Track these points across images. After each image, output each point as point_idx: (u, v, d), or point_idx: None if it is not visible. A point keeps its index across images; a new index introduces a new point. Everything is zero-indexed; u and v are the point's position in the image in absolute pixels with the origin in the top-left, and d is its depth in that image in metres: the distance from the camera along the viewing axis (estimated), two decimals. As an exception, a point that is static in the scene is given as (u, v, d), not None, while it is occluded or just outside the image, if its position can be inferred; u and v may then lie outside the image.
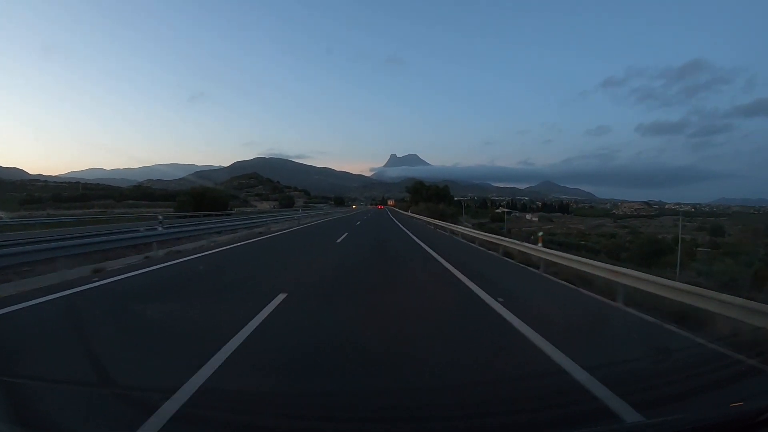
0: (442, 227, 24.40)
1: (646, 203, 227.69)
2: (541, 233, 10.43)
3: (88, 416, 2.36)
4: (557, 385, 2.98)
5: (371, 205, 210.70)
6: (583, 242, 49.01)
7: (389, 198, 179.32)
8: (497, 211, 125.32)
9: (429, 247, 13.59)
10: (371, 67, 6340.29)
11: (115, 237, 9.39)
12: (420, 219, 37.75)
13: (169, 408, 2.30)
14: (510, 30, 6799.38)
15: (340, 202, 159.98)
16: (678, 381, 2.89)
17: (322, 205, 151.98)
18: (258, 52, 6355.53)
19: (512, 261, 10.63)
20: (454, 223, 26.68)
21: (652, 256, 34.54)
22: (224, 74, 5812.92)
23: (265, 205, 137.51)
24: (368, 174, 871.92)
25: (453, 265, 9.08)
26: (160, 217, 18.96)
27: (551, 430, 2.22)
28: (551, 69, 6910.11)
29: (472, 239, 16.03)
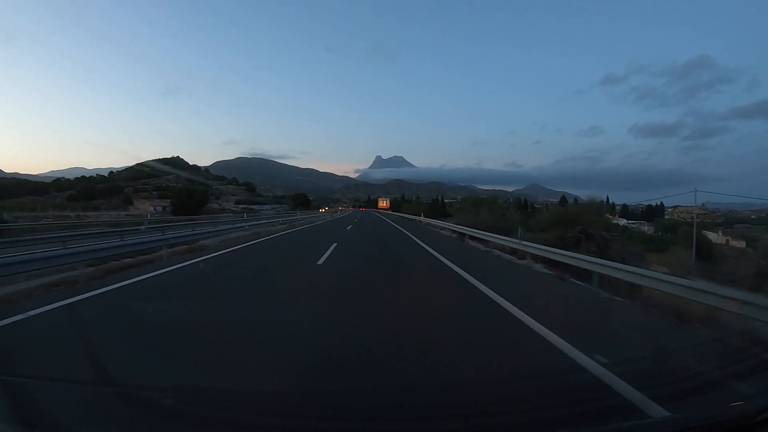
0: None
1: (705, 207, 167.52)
2: None
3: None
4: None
5: (352, 207, 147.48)
6: None
7: (380, 198, 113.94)
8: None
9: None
10: (357, 65, 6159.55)
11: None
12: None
13: None
14: (503, 25, 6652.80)
15: (303, 202, 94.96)
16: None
17: (269, 206, 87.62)
18: (238, 48, 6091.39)
19: None
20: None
21: None
22: (203, 70, 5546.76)
23: (147, 207, 71.04)
24: (353, 175, 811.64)
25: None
26: None
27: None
28: (546, 65, 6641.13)
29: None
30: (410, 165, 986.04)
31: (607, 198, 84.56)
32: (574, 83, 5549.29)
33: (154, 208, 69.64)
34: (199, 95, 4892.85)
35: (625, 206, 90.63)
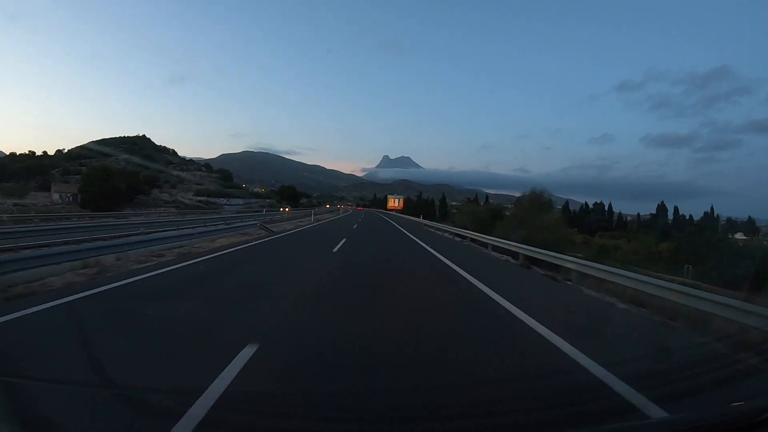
0: None
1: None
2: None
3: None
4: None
5: (352, 206, 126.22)
6: None
7: (390, 196, 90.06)
8: None
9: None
10: (367, 61, 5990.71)
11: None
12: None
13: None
14: (518, 27, 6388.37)
15: (290, 197, 71.65)
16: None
17: (242, 201, 64.19)
18: (245, 40, 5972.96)
19: None
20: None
21: None
22: (210, 60, 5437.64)
23: (53, 195, 48.45)
24: (360, 174, 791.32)
25: None
26: None
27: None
28: (562, 69, 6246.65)
29: None
30: (417, 166, 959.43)
31: (712, 208, 60.89)
32: (589, 88, 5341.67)
33: (60, 196, 46.76)
34: (206, 86, 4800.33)
35: (729, 219, 66.56)
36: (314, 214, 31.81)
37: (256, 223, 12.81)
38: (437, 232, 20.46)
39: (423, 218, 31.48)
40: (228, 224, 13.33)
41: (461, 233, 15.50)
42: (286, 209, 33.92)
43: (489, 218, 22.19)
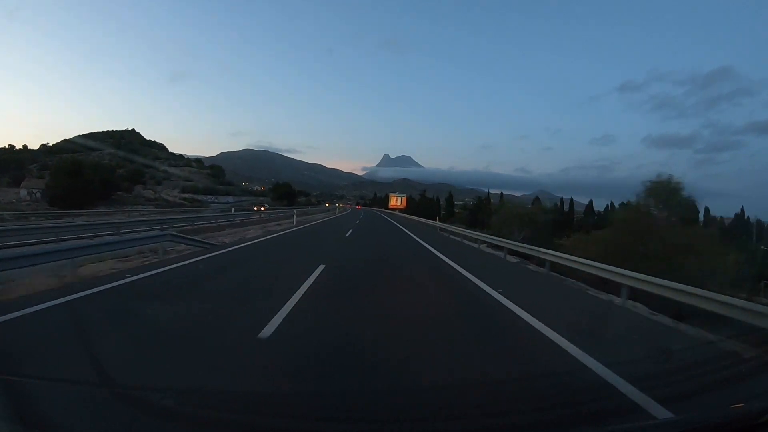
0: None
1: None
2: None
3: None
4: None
5: (349, 205, 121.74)
6: None
7: (392, 194, 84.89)
8: None
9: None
10: (367, 59, 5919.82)
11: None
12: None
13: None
14: (520, 26, 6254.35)
15: (287, 195, 66.49)
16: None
17: (231, 199, 58.75)
18: (245, 38, 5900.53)
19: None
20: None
21: None
22: (211, 58, 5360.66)
23: (22, 192, 43.59)
24: (360, 173, 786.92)
25: None
26: None
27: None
28: (563, 69, 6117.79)
29: None
30: (418, 165, 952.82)
31: (742, 210, 55.97)
32: (590, 88, 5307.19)
33: (27, 192, 41.97)
34: (207, 84, 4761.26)
35: None
36: (300, 215, 26.74)
37: (166, 234, 7.52)
38: (464, 241, 15.38)
39: (439, 221, 26.29)
40: (168, 229, 8.45)
41: (519, 249, 9.96)
42: (262, 208, 29.16)
43: (548, 224, 16.43)
